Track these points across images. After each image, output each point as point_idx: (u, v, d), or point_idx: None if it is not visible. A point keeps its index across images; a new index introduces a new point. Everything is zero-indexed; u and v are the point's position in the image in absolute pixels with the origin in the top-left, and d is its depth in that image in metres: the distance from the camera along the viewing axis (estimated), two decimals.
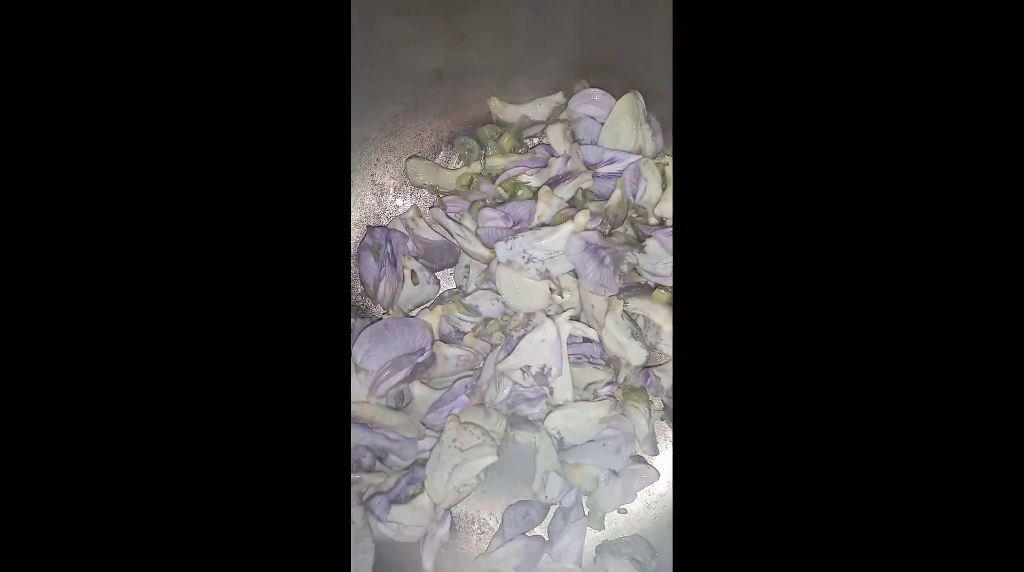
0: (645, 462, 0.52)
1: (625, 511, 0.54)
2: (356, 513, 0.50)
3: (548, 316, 0.49)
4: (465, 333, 0.52)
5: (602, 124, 0.51)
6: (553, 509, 0.53)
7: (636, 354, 0.48)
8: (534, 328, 0.48)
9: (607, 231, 0.49)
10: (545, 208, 0.49)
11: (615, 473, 0.51)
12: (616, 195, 0.49)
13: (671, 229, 0.48)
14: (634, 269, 0.49)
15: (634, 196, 0.49)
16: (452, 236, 0.52)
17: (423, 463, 0.51)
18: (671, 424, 0.53)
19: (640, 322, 0.49)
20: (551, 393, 0.49)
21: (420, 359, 0.50)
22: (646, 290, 0.49)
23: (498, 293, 0.50)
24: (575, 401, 0.50)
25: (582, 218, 0.47)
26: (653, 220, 0.50)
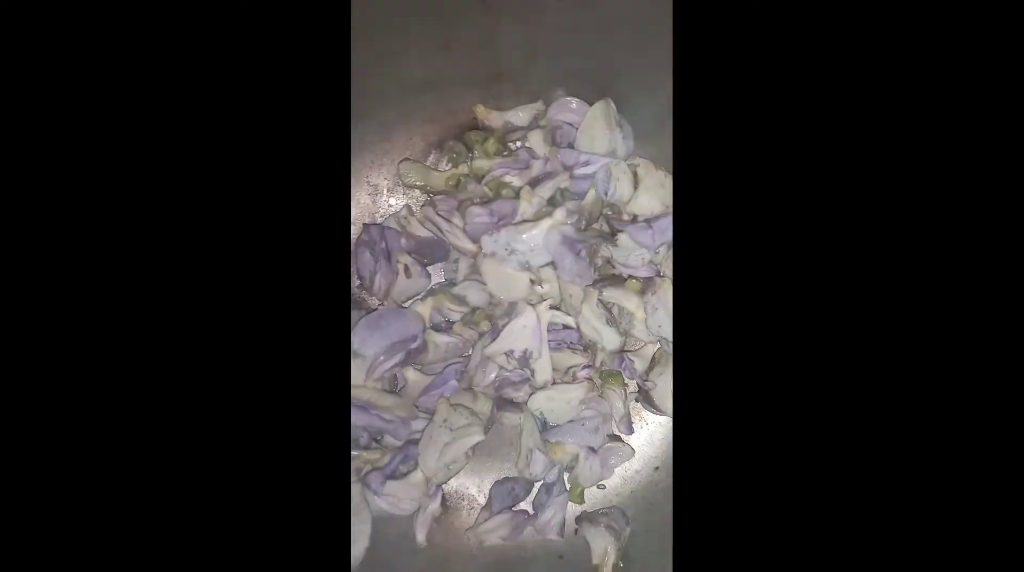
0: (621, 440, 0.56)
1: (604, 486, 0.57)
2: (354, 488, 0.52)
3: (529, 304, 0.52)
4: (454, 322, 0.55)
5: (578, 129, 0.55)
6: (537, 485, 0.56)
7: (611, 339, 0.52)
8: (517, 316, 0.52)
9: (583, 226, 0.52)
10: (527, 206, 0.52)
11: (593, 451, 0.54)
12: (591, 194, 0.52)
13: (643, 224, 0.52)
14: (608, 261, 0.53)
15: (606, 194, 0.53)
16: (442, 232, 0.55)
17: (416, 442, 0.53)
18: (645, 405, 0.57)
19: (614, 310, 0.53)
20: (533, 375, 0.53)
21: (413, 346, 0.53)
22: (619, 280, 0.53)
23: (484, 283, 0.53)
24: (555, 383, 0.53)
25: (560, 214, 0.50)
26: (625, 216, 0.54)
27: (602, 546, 0.53)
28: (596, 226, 0.54)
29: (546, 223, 0.50)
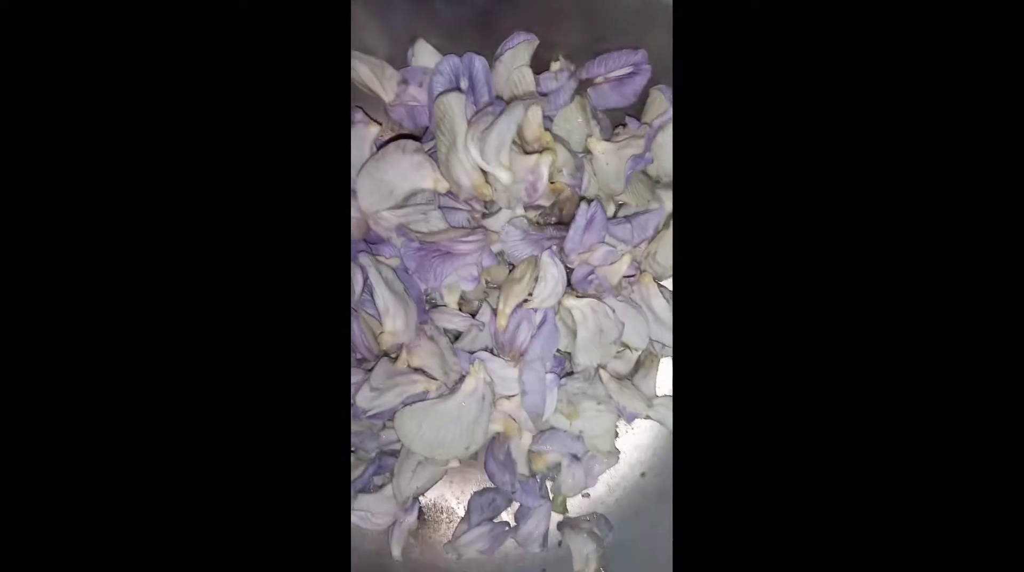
0: None
1: (588, 495, 0.55)
2: None
3: None
4: None
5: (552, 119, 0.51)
6: None
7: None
8: None
9: (553, 221, 0.50)
10: None
11: (577, 458, 0.52)
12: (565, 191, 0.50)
13: (621, 219, 0.50)
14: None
15: (580, 189, 0.50)
16: None
17: (391, 453, 0.52)
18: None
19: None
20: None
21: None
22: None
23: None
24: None
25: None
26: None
27: (583, 553, 0.51)
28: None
29: (504, 215, 0.48)
